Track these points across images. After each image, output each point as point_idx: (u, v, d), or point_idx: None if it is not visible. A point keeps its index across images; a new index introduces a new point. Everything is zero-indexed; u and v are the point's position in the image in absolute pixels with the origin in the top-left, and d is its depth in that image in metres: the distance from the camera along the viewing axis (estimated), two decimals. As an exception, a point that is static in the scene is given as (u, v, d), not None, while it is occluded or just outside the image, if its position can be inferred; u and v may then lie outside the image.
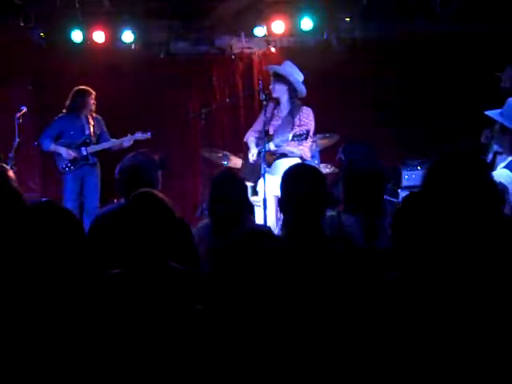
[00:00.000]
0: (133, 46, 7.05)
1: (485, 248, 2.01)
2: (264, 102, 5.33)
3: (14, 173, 5.91)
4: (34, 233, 2.08)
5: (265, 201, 4.82)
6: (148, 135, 6.22)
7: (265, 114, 5.32)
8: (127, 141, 6.19)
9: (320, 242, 2.47)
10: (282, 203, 2.64)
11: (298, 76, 5.42)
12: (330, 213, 3.09)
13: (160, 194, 2.52)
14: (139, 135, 6.20)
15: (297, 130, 5.14)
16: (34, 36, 6.96)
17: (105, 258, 2.62)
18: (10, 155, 6.01)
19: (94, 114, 6.28)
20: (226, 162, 6.24)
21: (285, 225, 2.66)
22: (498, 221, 2.14)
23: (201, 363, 2.02)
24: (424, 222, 2.03)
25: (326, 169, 6.09)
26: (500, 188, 2.98)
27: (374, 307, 2.00)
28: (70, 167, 6.14)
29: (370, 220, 3.10)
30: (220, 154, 6.34)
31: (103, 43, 6.95)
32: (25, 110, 6.14)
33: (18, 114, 6.07)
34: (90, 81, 6.65)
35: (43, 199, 6.26)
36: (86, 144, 6.17)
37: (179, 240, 2.49)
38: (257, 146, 5.45)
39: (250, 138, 5.54)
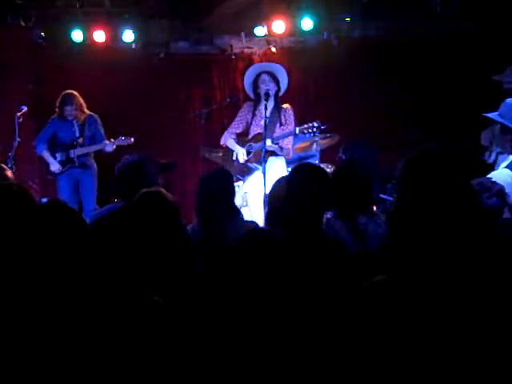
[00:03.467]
0: (133, 46, 7.06)
1: (463, 245, 2.00)
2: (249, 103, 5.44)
3: (14, 172, 5.94)
4: (41, 231, 2.09)
5: (265, 199, 4.82)
6: (131, 141, 6.11)
7: (245, 115, 5.49)
8: (109, 145, 6.09)
9: (319, 241, 2.48)
10: (285, 200, 2.64)
11: (285, 82, 5.49)
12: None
13: (166, 194, 2.53)
14: (122, 140, 6.11)
15: (304, 125, 5.15)
16: (34, 36, 6.97)
17: (105, 258, 2.62)
18: (10, 155, 6.02)
19: (87, 113, 6.21)
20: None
21: (285, 221, 2.66)
22: (473, 218, 2.13)
23: (200, 362, 2.01)
24: (407, 225, 2.04)
25: (326, 169, 6.07)
26: (496, 188, 2.97)
27: (365, 308, 1.99)
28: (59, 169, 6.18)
29: (357, 223, 3.10)
30: (220, 154, 6.33)
31: (103, 43, 6.96)
32: (25, 109, 6.14)
33: (18, 114, 6.07)
34: (90, 80, 6.66)
35: (43, 199, 6.28)
36: (74, 146, 6.14)
37: (182, 240, 2.51)
38: (242, 146, 5.46)
39: (229, 141, 5.54)
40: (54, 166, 6.18)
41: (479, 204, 2.42)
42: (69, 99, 6.11)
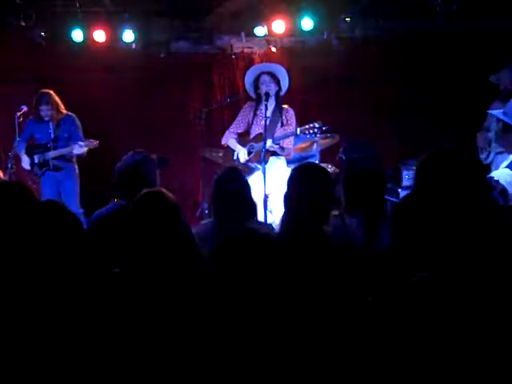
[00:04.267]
0: (133, 46, 7.05)
1: (478, 245, 2.00)
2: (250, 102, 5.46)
3: (14, 172, 5.95)
4: (36, 231, 2.09)
5: (265, 200, 4.83)
6: (96, 143, 5.85)
7: (246, 115, 5.49)
8: (77, 148, 5.81)
9: (321, 241, 2.48)
10: (287, 200, 2.64)
11: (286, 82, 5.47)
12: (333, 212, 3.09)
13: (167, 193, 2.54)
14: (88, 143, 5.83)
15: (305, 126, 5.15)
16: (34, 35, 6.96)
17: (105, 257, 2.62)
18: (10, 155, 6.01)
19: (64, 113, 6.01)
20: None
21: (286, 221, 2.66)
22: (490, 218, 2.14)
23: (202, 360, 2.01)
24: (419, 222, 2.03)
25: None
26: (499, 188, 2.99)
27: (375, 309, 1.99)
28: (36, 171, 6.03)
29: (371, 221, 3.10)
30: (220, 154, 6.33)
31: (104, 42, 6.94)
32: (25, 109, 6.11)
33: (18, 114, 6.05)
34: (90, 80, 6.66)
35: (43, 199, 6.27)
36: (48, 149, 5.95)
37: (184, 239, 2.51)
38: (243, 145, 5.47)
39: (231, 140, 5.55)
40: (25, 164, 6.03)
41: (494, 202, 2.42)
42: (44, 99, 5.91)
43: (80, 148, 5.81)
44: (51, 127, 5.98)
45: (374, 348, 1.86)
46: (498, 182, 3.03)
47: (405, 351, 1.82)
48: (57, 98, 5.98)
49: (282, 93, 5.44)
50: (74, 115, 6.06)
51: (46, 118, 5.96)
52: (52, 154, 5.93)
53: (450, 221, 1.96)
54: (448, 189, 2.08)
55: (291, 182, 2.70)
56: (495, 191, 2.91)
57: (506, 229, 2.12)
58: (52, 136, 5.98)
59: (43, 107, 5.91)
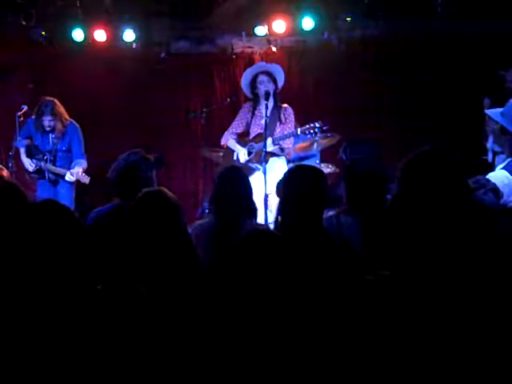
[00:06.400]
0: (134, 45, 7.06)
1: (455, 243, 2.02)
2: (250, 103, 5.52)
3: (14, 172, 5.94)
4: (34, 230, 2.09)
5: (266, 200, 4.84)
6: (87, 180, 5.65)
7: (245, 115, 5.52)
8: (68, 176, 5.62)
9: (320, 240, 2.48)
10: (282, 202, 2.65)
11: (282, 79, 5.51)
12: (329, 213, 3.09)
13: (168, 193, 2.54)
14: (79, 176, 5.63)
15: (305, 126, 5.16)
16: (35, 35, 6.96)
17: (103, 257, 2.62)
18: (11, 154, 6.01)
19: (67, 122, 5.73)
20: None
21: (283, 223, 2.66)
22: (468, 218, 2.15)
23: (202, 362, 2.01)
24: (401, 223, 2.05)
25: (326, 168, 6.08)
26: (490, 186, 3.00)
27: (364, 306, 2.00)
28: (32, 174, 5.90)
29: (369, 221, 3.10)
30: (220, 154, 6.33)
31: (104, 42, 6.95)
32: (25, 108, 6.09)
33: (19, 113, 6.03)
34: (90, 79, 6.65)
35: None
36: (45, 160, 5.76)
37: (184, 239, 2.52)
38: (243, 146, 5.47)
39: (230, 141, 5.55)
40: (27, 166, 5.85)
41: (473, 201, 2.44)
42: (47, 109, 5.60)
43: (71, 176, 5.64)
44: (51, 138, 5.77)
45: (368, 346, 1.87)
46: (488, 180, 3.03)
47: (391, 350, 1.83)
48: (61, 108, 5.70)
49: (278, 89, 5.46)
50: (77, 125, 5.79)
51: (48, 129, 5.72)
52: (48, 166, 5.76)
53: (430, 221, 1.98)
54: (427, 190, 2.10)
55: (282, 184, 2.70)
56: (484, 189, 2.91)
57: (489, 229, 2.13)
58: (49, 148, 5.78)
59: (46, 117, 5.63)
